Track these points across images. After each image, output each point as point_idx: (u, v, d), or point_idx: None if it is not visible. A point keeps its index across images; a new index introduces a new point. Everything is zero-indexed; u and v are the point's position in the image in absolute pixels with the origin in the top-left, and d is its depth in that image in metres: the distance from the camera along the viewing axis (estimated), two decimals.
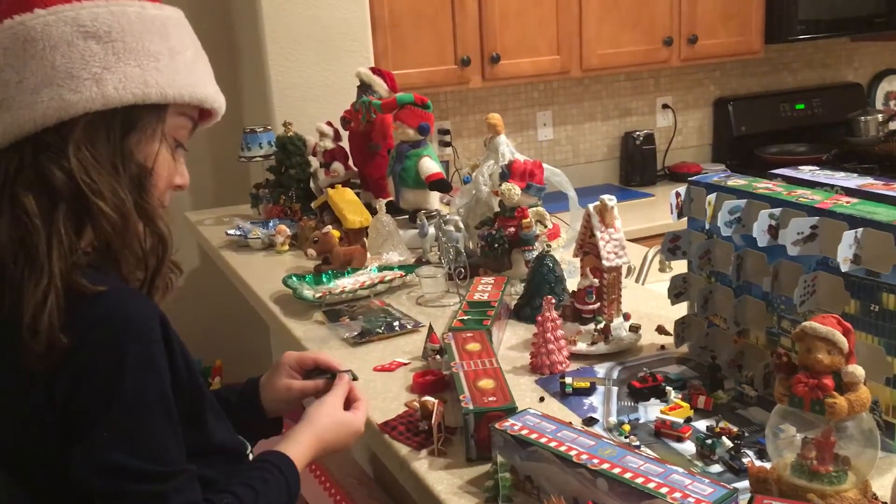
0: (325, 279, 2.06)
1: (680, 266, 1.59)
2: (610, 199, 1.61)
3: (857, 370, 0.98)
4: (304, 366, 1.30)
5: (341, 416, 1.19)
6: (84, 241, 0.93)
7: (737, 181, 1.42)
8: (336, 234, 2.16)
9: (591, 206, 1.64)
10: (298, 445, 1.13)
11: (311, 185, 2.69)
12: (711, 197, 1.42)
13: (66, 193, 0.91)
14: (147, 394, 0.91)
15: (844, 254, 1.15)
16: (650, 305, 1.80)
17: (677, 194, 1.49)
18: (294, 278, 2.04)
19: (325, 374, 1.29)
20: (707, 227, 1.45)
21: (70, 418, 0.89)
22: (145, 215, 0.96)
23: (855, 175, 1.41)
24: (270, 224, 2.59)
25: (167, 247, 0.99)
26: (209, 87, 1.02)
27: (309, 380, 1.29)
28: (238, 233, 2.57)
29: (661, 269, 2.30)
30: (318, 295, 1.94)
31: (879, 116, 3.89)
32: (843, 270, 1.16)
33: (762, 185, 1.38)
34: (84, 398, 0.89)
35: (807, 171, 1.46)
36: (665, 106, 3.89)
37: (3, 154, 0.92)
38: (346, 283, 2.02)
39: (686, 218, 1.51)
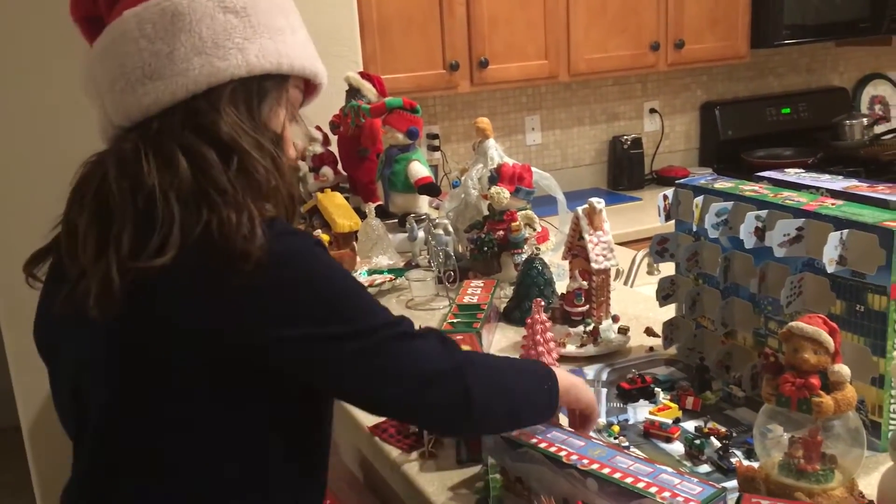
0: None
1: (668, 268, 1.60)
2: (598, 202, 1.62)
3: (843, 369, 0.99)
4: None
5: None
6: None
7: (723, 184, 1.44)
8: (325, 238, 2.16)
9: (579, 209, 1.65)
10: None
11: (301, 189, 2.69)
12: (698, 200, 1.43)
13: (232, 148, 0.97)
14: (350, 281, 1.01)
15: (830, 255, 1.16)
16: (638, 308, 1.81)
17: (665, 197, 1.51)
18: None
19: None
20: (694, 229, 1.46)
21: (295, 318, 0.94)
22: (284, 174, 1.03)
23: (840, 177, 1.42)
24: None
25: (297, 206, 1.06)
26: (319, 63, 1.09)
27: None
28: None
29: (650, 272, 2.31)
30: None
31: (864, 120, 3.92)
32: (828, 271, 1.17)
33: (748, 188, 1.39)
34: (314, 294, 0.95)
35: (792, 174, 1.47)
36: (652, 110, 3.91)
37: (153, 119, 0.98)
38: None
39: (674, 221, 1.53)
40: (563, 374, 1.20)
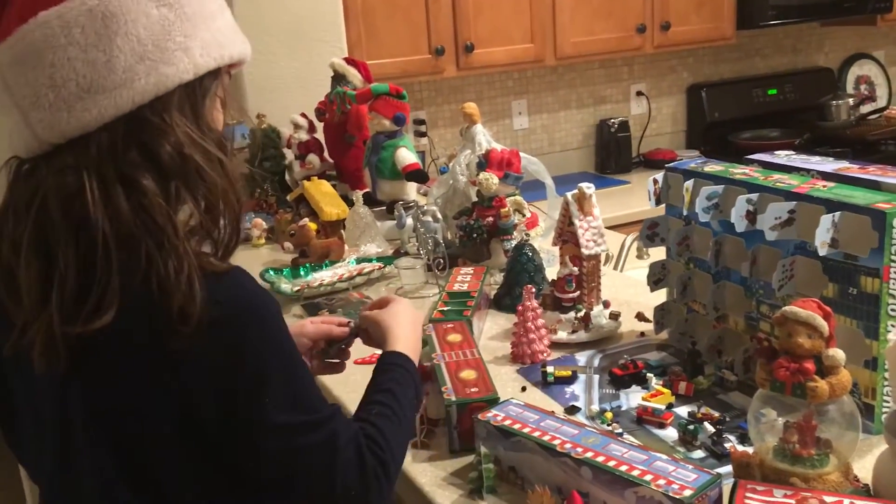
0: (302, 272, 2.04)
1: (658, 253, 1.60)
2: (588, 188, 1.61)
3: (838, 353, 0.99)
4: (317, 348, 1.29)
5: (395, 320, 1.21)
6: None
7: (714, 167, 1.43)
8: (313, 226, 2.14)
9: (569, 195, 1.63)
10: (400, 347, 1.16)
11: (287, 177, 2.66)
12: (689, 183, 1.42)
13: (174, 169, 0.90)
14: (293, 351, 0.96)
15: (822, 238, 1.16)
16: (629, 293, 1.81)
17: (655, 181, 1.50)
18: (271, 272, 2.02)
19: (337, 345, 1.29)
20: (685, 213, 1.45)
21: (224, 391, 0.89)
22: (232, 180, 0.96)
23: (830, 159, 1.41)
24: (246, 218, 2.57)
25: (242, 208, 0.98)
26: (247, 42, 1.02)
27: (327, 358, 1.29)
28: None
29: (639, 256, 2.30)
30: (296, 288, 1.92)
31: (850, 100, 3.92)
32: (821, 254, 1.17)
33: (739, 171, 1.38)
34: (242, 368, 0.89)
35: (783, 156, 1.46)
36: (639, 93, 3.90)
37: (93, 136, 0.89)
38: (325, 275, 2.01)
39: (664, 204, 1.52)
40: (413, 346, 1.17)
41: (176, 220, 0.89)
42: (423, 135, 3.36)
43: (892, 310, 1.13)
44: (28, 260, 0.89)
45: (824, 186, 1.24)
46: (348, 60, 2.57)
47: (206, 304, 0.86)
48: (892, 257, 1.12)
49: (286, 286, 1.93)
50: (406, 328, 1.19)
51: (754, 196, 1.28)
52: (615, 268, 2.28)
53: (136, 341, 0.88)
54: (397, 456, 1.03)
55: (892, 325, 1.14)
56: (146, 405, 0.90)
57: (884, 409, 1.17)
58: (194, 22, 0.92)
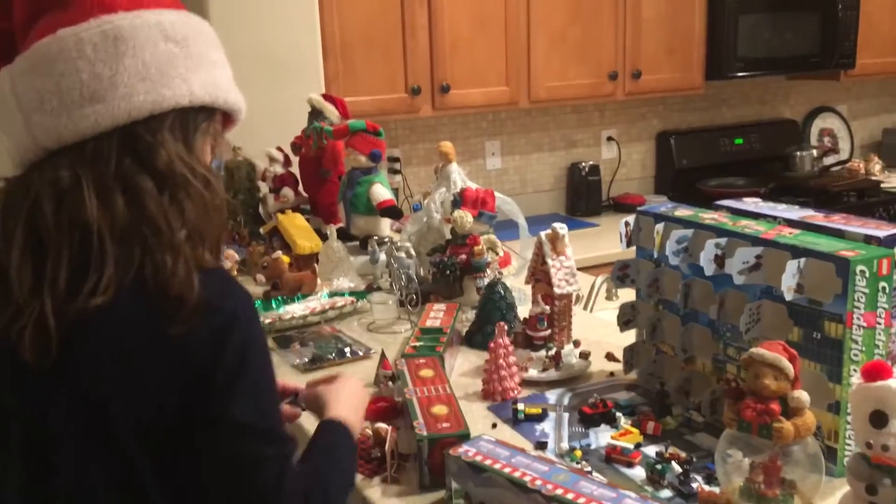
0: (274, 305, 2.04)
1: (627, 294, 1.62)
2: (561, 228, 1.64)
3: (803, 395, 1.01)
4: None
5: (335, 395, 1.23)
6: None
7: (684, 212, 1.46)
8: (286, 259, 2.14)
9: (542, 234, 1.66)
10: (340, 416, 1.17)
11: (260, 210, 2.67)
12: (660, 227, 1.45)
13: (168, 177, 0.96)
14: (269, 361, 1.00)
15: (788, 283, 1.19)
16: (598, 333, 1.83)
17: (626, 224, 1.53)
18: None
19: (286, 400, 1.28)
20: (655, 255, 1.48)
21: (197, 378, 0.93)
22: (218, 196, 1.02)
23: (796, 207, 1.46)
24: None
25: (223, 232, 1.05)
26: (242, 100, 1.10)
27: None
28: None
29: (608, 297, 2.33)
30: (267, 321, 1.92)
31: (814, 152, 4.03)
32: (787, 299, 1.20)
33: (708, 216, 1.42)
34: (222, 356, 0.93)
35: (750, 203, 1.51)
36: (610, 138, 3.97)
37: (87, 143, 0.96)
38: (297, 309, 2.01)
39: (635, 247, 1.55)
40: (354, 418, 1.19)
41: (172, 218, 0.95)
42: (397, 172, 3.39)
43: (855, 355, 1.17)
44: (20, 256, 0.93)
45: (790, 233, 1.28)
46: (326, 97, 2.60)
47: (200, 293, 0.92)
48: (855, 304, 1.15)
49: None
50: (346, 403, 1.20)
51: (723, 241, 1.32)
52: (585, 308, 2.30)
53: (127, 327, 0.92)
54: None
55: (855, 370, 1.17)
56: (135, 392, 0.93)
57: (846, 453, 1.19)
58: (197, 62, 1.01)
